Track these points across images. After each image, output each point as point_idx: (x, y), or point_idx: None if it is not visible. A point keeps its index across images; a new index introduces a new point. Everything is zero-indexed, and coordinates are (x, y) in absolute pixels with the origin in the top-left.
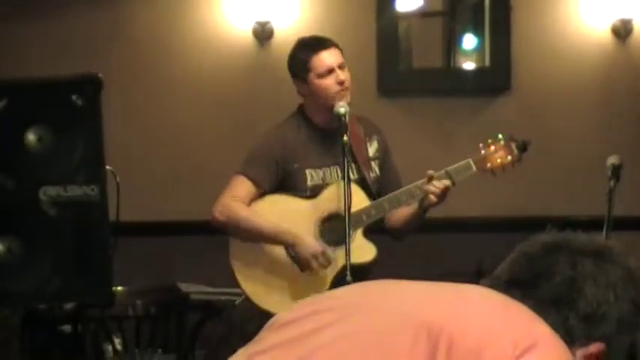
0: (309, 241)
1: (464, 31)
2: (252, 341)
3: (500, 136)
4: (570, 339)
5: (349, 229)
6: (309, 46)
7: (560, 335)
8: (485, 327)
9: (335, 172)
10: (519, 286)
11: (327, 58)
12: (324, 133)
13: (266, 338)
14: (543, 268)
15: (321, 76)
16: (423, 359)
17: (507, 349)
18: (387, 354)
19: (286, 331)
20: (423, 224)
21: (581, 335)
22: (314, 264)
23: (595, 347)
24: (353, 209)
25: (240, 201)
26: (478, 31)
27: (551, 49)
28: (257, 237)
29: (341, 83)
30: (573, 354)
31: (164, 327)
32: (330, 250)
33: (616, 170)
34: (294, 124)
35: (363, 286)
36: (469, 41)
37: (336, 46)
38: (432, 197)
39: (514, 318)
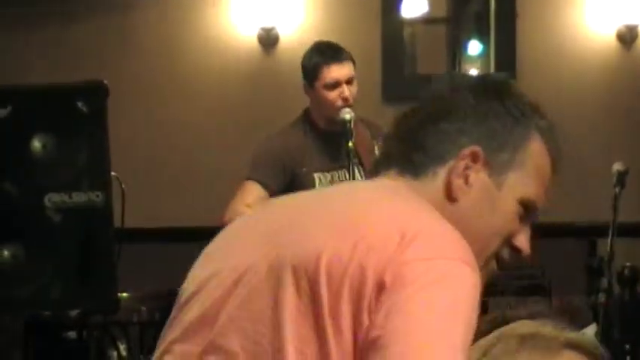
0: None
1: (469, 38)
2: (166, 326)
3: None
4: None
5: None
6: (324, 53)
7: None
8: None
9: (343, 175)
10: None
11: (337, 71)
12: (329, 137)
13: (173, 325)
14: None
15: (327, 87)
16: (307, 298)
17: (393, 241)
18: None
19: (191, 310)
20: None
21: (449, 149)
22: None
23: (466, 151)
24: None
25: (249, 206)
26: (483, 38)
27: (556, 55)
28: None
29: (345, 99)
30: (450, 170)
31: None
32: None
33: (621, 176)
34: (300, 128)
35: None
36: (474, 47)
37: (350, 59)
38: None
39: (399, 211)
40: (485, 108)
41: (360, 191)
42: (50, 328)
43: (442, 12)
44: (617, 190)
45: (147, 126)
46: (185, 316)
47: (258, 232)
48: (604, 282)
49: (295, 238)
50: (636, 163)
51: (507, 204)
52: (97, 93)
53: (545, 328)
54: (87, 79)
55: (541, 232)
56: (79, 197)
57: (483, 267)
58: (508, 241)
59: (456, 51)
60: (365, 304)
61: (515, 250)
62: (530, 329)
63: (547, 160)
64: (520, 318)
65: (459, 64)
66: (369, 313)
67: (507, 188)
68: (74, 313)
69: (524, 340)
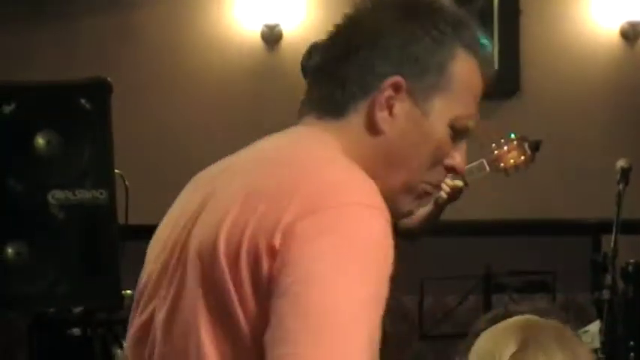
0: None
1: None
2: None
3: (512, 135)
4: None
5: None
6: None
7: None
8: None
9: None
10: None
11: None
12: None
13: (133, 319)
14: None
15: None
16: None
17: (281, 204)
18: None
19: (146, 307)
20: (436, 225)
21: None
22: None
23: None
24: None
25: None
26: (486, 34)
27: (560, 52)
28: None
29: None
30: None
31: None
32: None
33: (625, 173)
34: None
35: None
36: None
37: None
38: (442, 194)
39: (293, 168)
40: (404, 32)
41: (267, 150)
42: (54, 325)
43: None
44: (620, 186)
45: (150, 123)
46: (134, 321)
47: (175, 219)
48: (608, 278)
49: (204, 220)
50: None
51: (437, 130)
52: (100, 90)
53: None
54: (90, 76)
55: (545, 229)
56: (83, 194)
57: (423, 196)
58: (442, 163)
59: None
60: (263, 272)
61: (450, 170)
62: None
63: (477, 75)
64: (522, 314)
65: None
66: (268, 282)
67: (435, 114)
68: (78, 310)
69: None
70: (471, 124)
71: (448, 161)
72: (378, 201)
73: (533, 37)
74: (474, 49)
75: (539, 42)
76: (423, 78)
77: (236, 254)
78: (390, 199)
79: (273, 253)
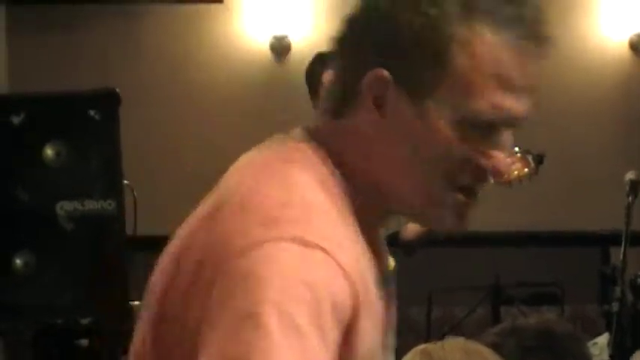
0: None
1: None
2: None
3: (516, 148)
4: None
5: None
6: (327, 61)
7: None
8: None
9: None
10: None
11: None
12: None
13: None
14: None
15: None
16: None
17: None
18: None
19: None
20: (434, 238)
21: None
22: None
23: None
24: None
25: None
26: None
27: (569, 62)
28: None
29: None
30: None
31: None
32: None
33: (634, 185)
34: None
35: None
36: None
37: None
38: None
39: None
40: (390, 20)
41: (240, 171)
42: (61, 336)
43: None
44: (629, 198)
45: (158, 134)
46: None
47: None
48: (617, 291)
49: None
50: None
51: (439, 131)
52: (109, 101)
53: None
54: (98, 87)
55: (554, 241)
56: (91, 205)
57: (462, 206)
58: (468, 166)
59: None
60: (195, 300)
61: (480, 174)
62: None
63: (500, 51)
64: (529, 326)
65: None
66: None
67: (433, 113)
68: (86, 321)
69: None
70: (493, 114)
71: (483, 162)
72: (326, 235)
73: None
74: (491, 18)
75: None
76: (415, 71)
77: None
78: (421, 216)
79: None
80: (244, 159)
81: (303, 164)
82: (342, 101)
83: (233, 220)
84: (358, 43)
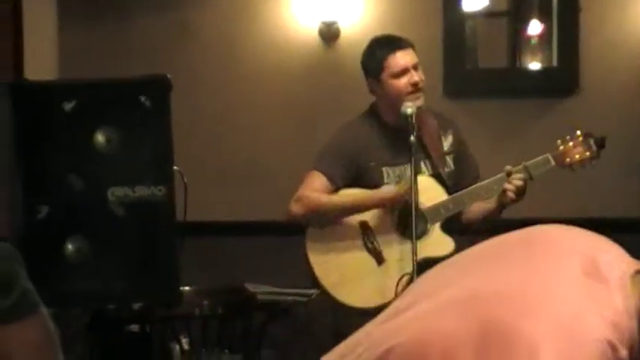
0: (392, 191)
1: (530, 31)
2: None
3: (578, 132)
4: None
5: (415, 228)
6: (386, 44)
7: None
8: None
9: (408, 170)
10: None
11: (403, 57)
12: (396, 132)
13: None
14: None
15: (395, 75)
16: None
17: None
18: None
19: None
20: (495, 222)
21: None
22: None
23: None
24: (430, 203)
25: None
26: (545, 31)
27: (620, 48)
28: (341, 214)
29: (414, 84)
30: None
31: (231, 327)
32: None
33: None
34: (367, 123)
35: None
36: (535, 41)
37: (412, 46)
38: (511, 194)
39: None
40: None
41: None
42: (113, 321)
43: (503, 5)
44: None
45: (208, 120)
46: None
47: None
48: None
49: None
50: None
51: None
52: (159, 87)
53: None
54: (149, 73)
55: (606, 227)
56: (142, 191)
57: None
58: None
59: (516, 45)
60: None
61: None
62: None
63: None
64: None
65: (520, 58)
66: None
67: None
68: (137, 306)
69: None
70: None
71: None
72: None
73: (593, 33)
74: None
75: (599, 38)
76: None
77: None
78: None
79: None
80: None
81: None
82: None
83: None
84: None
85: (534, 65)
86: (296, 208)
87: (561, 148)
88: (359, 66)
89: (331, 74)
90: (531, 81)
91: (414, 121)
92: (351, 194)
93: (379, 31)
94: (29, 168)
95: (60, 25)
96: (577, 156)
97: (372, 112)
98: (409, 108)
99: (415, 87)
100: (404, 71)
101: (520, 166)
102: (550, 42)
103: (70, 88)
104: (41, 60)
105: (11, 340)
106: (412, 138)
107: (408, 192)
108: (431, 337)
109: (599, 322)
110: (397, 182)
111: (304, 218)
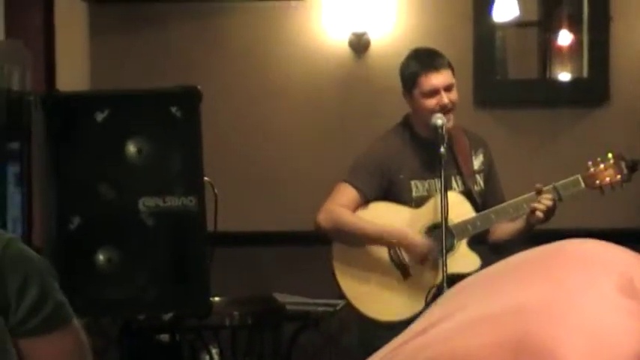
0: (419, 238)
1: (560, 41)
2: None
3: (609, 155)
4: None
5: (445, 241)
6: (422, 62)
7: None
8: None
9: (440, 183)
10: None
11: (436, 78)
12: (428, 145)
13: None
14: None
15: (425, 95)
16: None
17: None
18: None
19: None
20: (524, 238)
21: None
22: (430, 257)
23: None
24: (458, 219)
25: (344, 208)
26: (575, 41)
27: None
28: (363, 240)
29: (442, 107)
30: None
31: (260, 337)
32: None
33: None
34: (399, 135)
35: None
36: (566, 51)
37: (449, 66)
38: (540, 214)
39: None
40: None
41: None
42: (144, 330)
43: (533, 15)
44: None
45: (238, 131)
46: None
47: None
48: None
49: None
50: None
51: None
52: (190, 98)
53: None
54: (180, 84)
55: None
56: (172, 201)
57: None
58: None
59: (547, 55)
60: None
61: None
62: None
63: None
64: None
65: (550, 68)
66: None
67: None
68: (168, 316)
69: None
70: None
71: None
72: None
73: (623, 44)
74: None
75: (630, 49)
76: None
77: None
78: None
79: None
80: None
81: None
82: None
83: None
84: None
85: (564, 76)
86: (322, 222)
87: (592, 169)
88: (389, 77)
89: (361, 85)
90: (561, 91)
91: (444, 132)
92: (378, 215)
93: (409, 42)
94: (61, 179)
95: (91, 36)
96: (607, 178)
97: (406, 124)
98: (439, 119)
99: (444, 109)
100: (434, 92)
101: (550, 187)
102: (580, 52)
103: (101, 98)
104: (73, 71)
105: (45, 352)
106: (442, 149)
107: (435, 250)
108: (462, 352)
109: (634, 339)
110: (426, 196)
111: (329, 234)
